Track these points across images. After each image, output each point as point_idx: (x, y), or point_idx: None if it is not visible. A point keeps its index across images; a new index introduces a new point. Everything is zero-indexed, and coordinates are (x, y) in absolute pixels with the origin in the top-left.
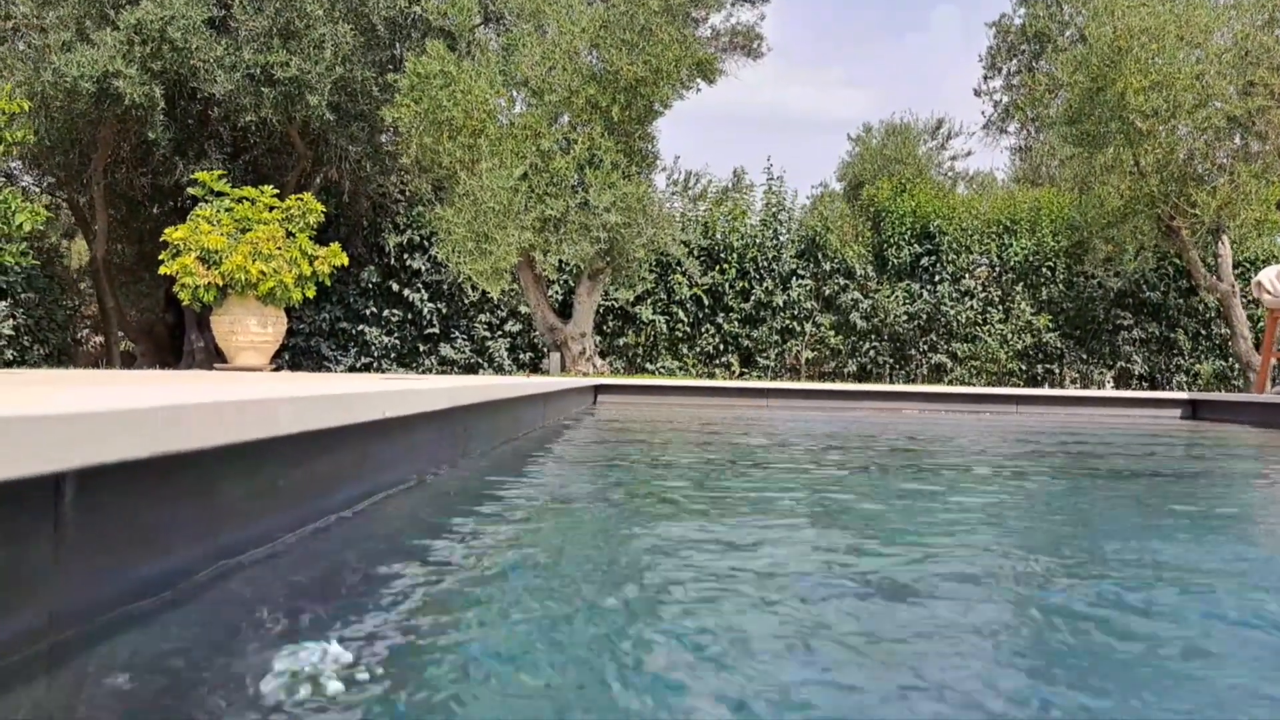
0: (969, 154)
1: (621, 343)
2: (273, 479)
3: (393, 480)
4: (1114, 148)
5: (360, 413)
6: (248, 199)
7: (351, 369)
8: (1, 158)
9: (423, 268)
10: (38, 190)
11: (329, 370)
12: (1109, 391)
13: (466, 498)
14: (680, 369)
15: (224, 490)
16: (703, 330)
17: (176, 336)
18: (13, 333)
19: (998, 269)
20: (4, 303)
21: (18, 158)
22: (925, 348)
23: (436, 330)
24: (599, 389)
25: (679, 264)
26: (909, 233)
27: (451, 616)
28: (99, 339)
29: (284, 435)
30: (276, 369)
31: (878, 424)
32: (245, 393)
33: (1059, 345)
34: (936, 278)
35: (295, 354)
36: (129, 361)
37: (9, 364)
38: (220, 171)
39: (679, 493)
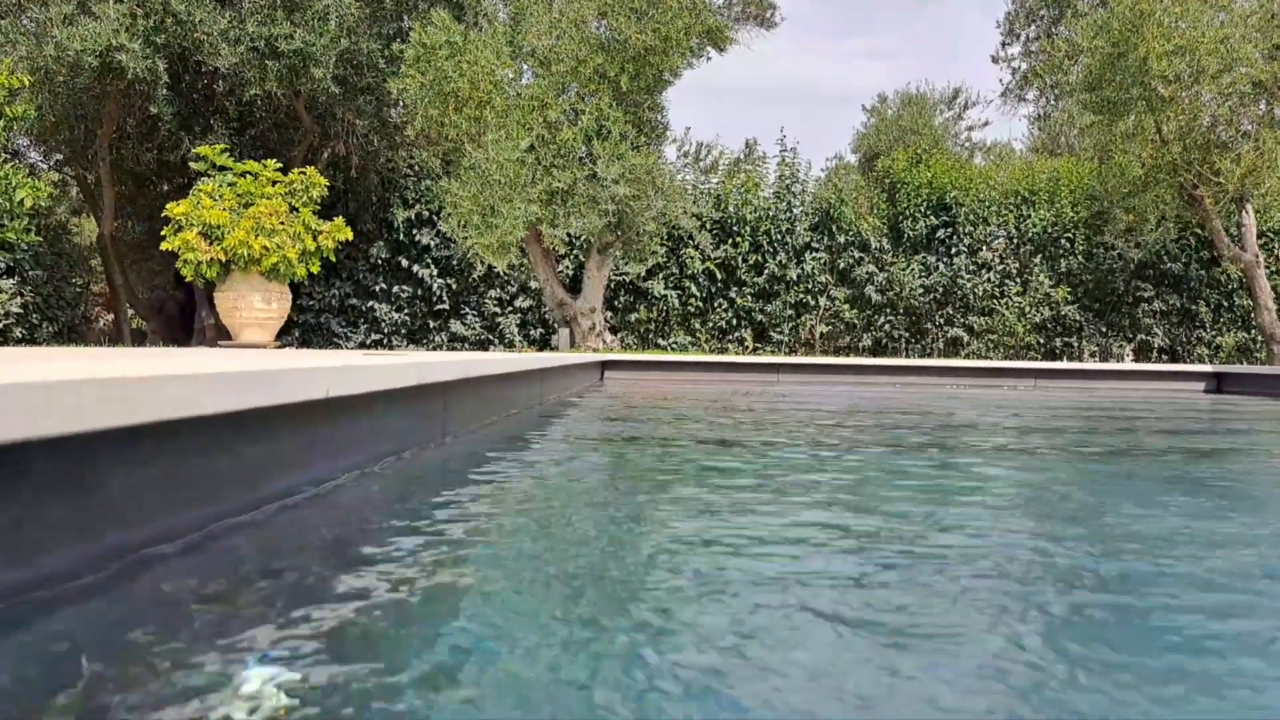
0: (986, 124)
1: (633, 318)
2: (152, 474)
3: (347, 465)
4: (1135, 115)
5: (290, 392)
6: (251, 173)
7: (362, 345)
8: (3, 133)
9: (432, 243)
10: (45, 167)
11: (339, 347)
12: (1132, 365)
13: (425, 487)
14: (693, 344)
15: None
16: (715, 305)
17: (188, 314)
18: (21, 311)
19: (1015, 241)
20: (11, 280)
21: (24, 134)
22: (941, 321)
23: (447, 307)
24: (606, 365)
25: (691, 237)
26: (925, 204)
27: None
28: (111, 317)
29: (158, 422)
30: (282, 346)
31: (907, 401)
32: (116, 370)
33: (1078, 318)
34: (953, 250)
35: (306, 331)
36: (140, 339)
37: (19, 341)
38: (223, 145)
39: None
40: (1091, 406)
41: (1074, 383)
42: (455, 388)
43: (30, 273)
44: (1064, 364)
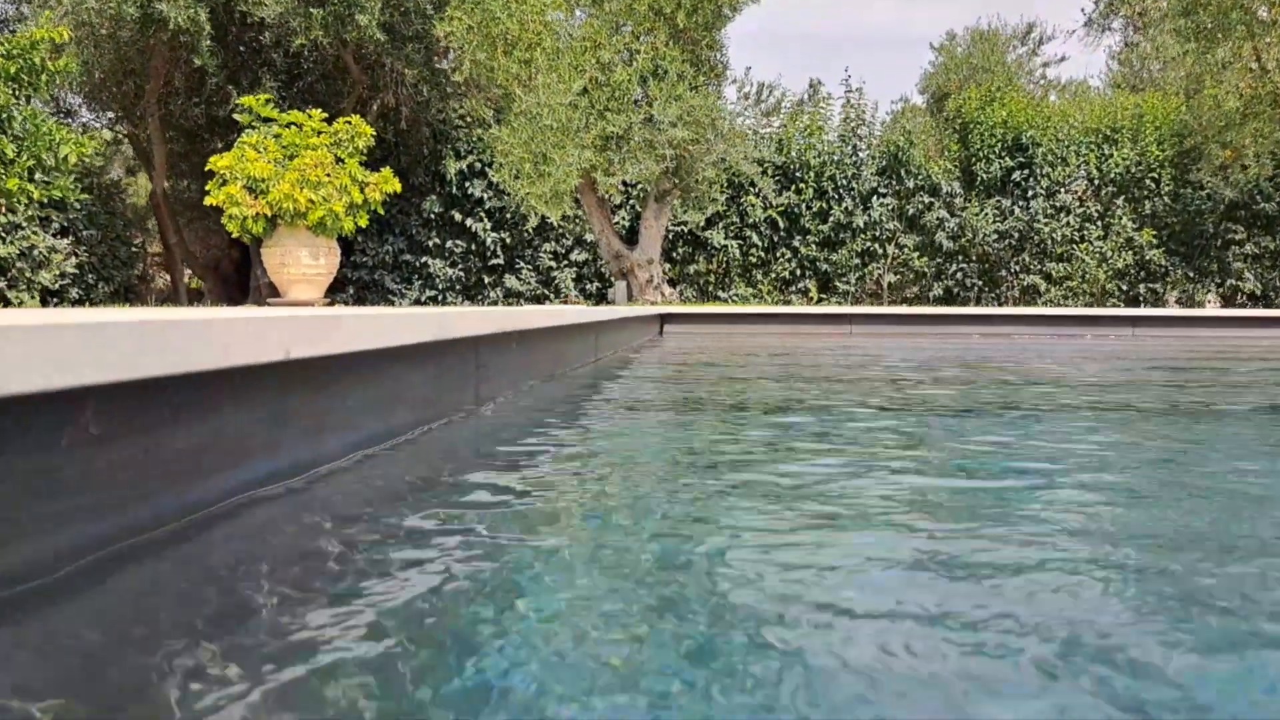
0: (1062, 60)
1: (692, 270)
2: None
3: (343, 446)
4: (1232, 42)
5: (209, 353)
6: (296, 124)
7: (416, 302)
8: (46, 88)
9: (485, 196)
10: (99, 125)
11: (394, 305)
12: (1247, 311)
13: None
14: (754, 296)
15: None
16: (778, 255)
17: (243, 272)
18: (76, 271)
19: (1096, 182)
20: (66, 240)
21: (76, 92)
22: (1017, 269)
23: (501, 261)
24: (665, 318)
25: (752, 184)
26: (999, 145)
27: None
28: (168, 276)
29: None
30: (331, 303)
31: (1003, 354)
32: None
33: (1162, 263)
34: (1029, 193)
35: (359, 288)
36: (196, 298)
37: (76, 302)
38: (267, 95)
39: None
40: (1225, 356)
41: (1179, 331)
42: (489, 344)
43: (84, 233)
44: (1167, 310)
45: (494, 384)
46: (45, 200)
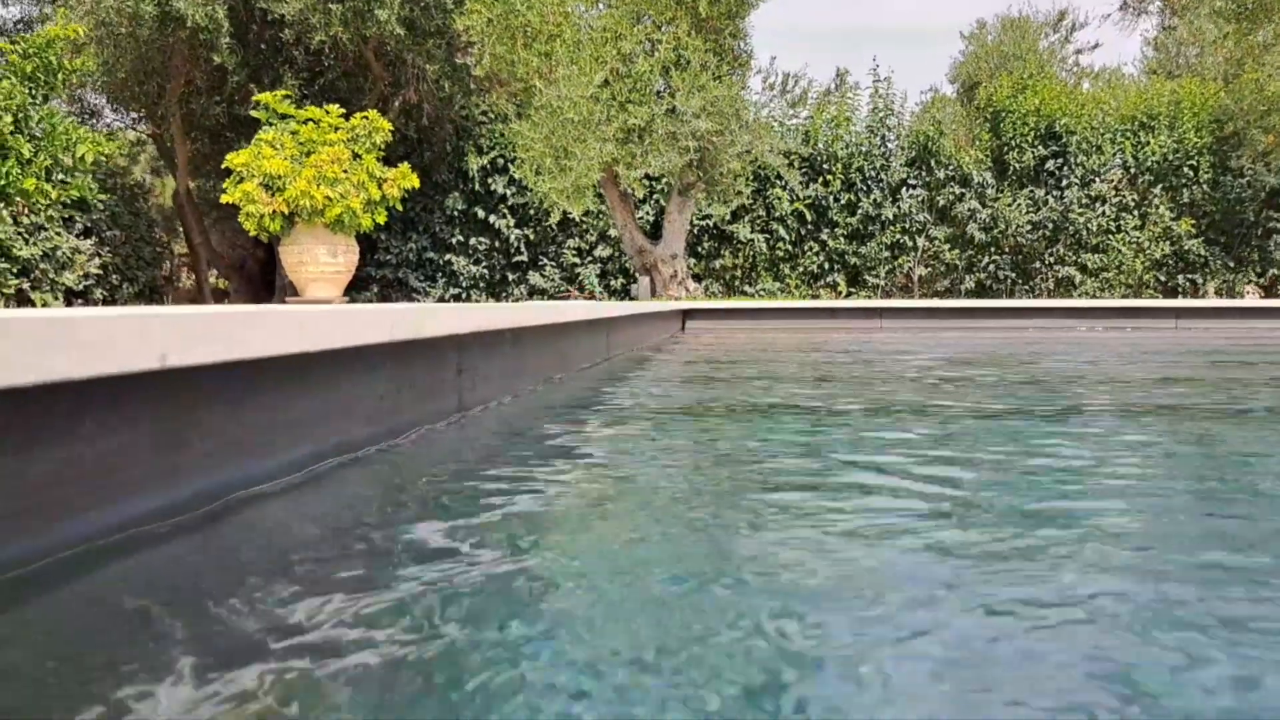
0: (1095, 46)
1: (718, 264)
2: None
3: (276, 467)
4: (1275, 23)
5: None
6: (313, 120)
7: (440, 300)
8: (63, 87)
9: (508, 192)
10: (122, 126)
11: (418, 303)
12: None
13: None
14: (782, 290)
15: None
16: (806, 248)
17: (269, 271)
18: (100, 272)
19: (1132, 170)
20: (89, 241)
21: (99, 92)
22: (1051, 260)
23: (525, 258)
24: (687, 314)
25: (778, 176)
26: (1032, 134)
27: None
28: (194, 276)
29: None
30: (350, 301)
31: (1047, 348)
32: None
33: (1202, 253)
34: (1063, 182)
35: (384, 286)
36: (221, 298)
37: (101, 302)
38: (284, 92)
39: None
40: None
41: (1225, 322)
42: (474, 343)
43: (108, 233)
44: (1211, 301)
45: (482, 389)
46: (65, 201)
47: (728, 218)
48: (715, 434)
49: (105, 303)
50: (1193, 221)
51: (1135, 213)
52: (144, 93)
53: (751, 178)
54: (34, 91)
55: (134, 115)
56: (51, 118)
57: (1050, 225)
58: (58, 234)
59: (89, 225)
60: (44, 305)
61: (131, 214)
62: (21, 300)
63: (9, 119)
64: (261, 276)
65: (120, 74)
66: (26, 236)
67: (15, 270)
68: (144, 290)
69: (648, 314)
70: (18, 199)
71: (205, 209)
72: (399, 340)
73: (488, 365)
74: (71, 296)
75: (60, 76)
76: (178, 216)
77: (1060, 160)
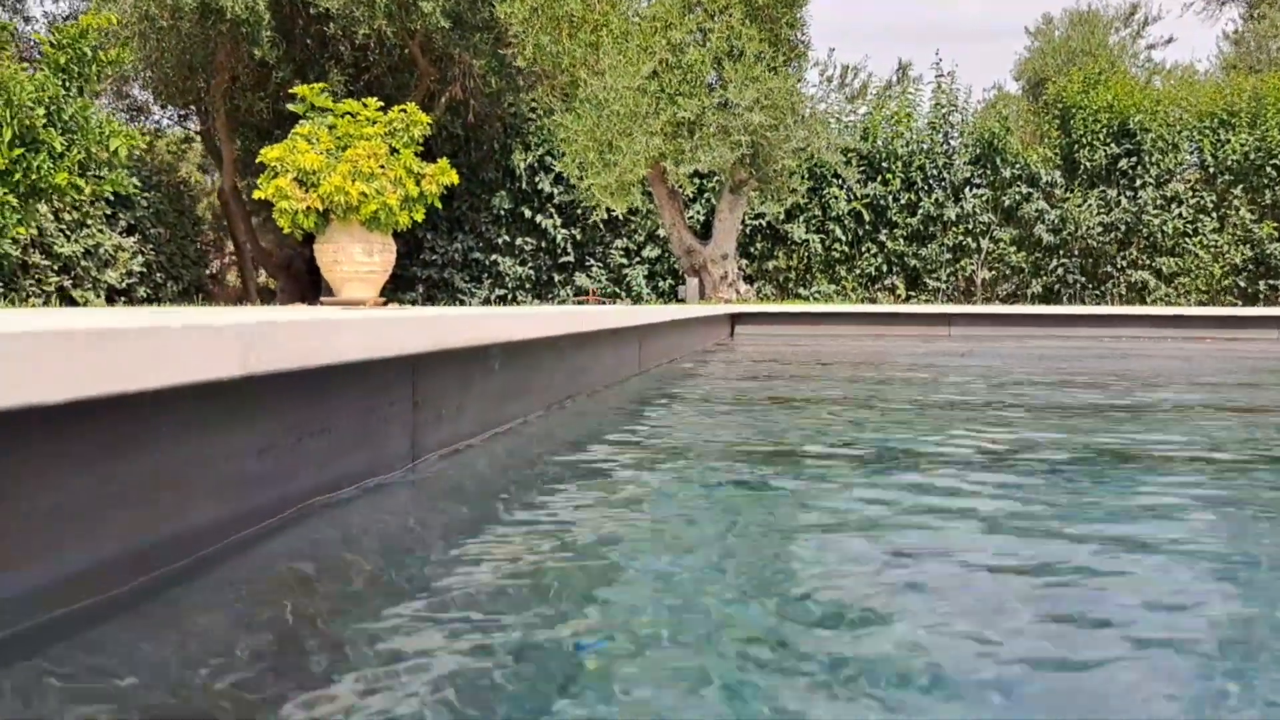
0: (1169, 41)
1: (771, 265)
2: None
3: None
4: None
5: None
6: (351, 114)
7: (486, 302)
8: (97, 79)
9: (554, 191)
10: (170, 123)
11: (464, 304)
12: None
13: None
14: (838, 293)
15: None
16: (863, 250)
17: (315, 271)
18: (144, 269)
19: (1211, 169)
20: (132, 238)
21: (144, 87)
22: (1123, 264)
23: (571, 258)
24: (736, 318)
25: (835, 174)
26: (1104, 131)
27: None
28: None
29: None
30: (386, 303)
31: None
32: None
33: None
34: (1137, 182)
35: (429, 287)
36: (268, 298)
37: (143, 301)
38: (322, 85)
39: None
40: None
41: None
42: (440, 363)
43: (152, 231)
44: None
45: (451, 426)
46: (101, 196)
47: (782, 217)
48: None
49: (148, 302)
50: (1276, 225)
51: (1213, 215)
52: (188, 88)
53: (807, 175)
54: (67, 84)
55: (180, 112)
56: (84, 110)
57: (1123, 227)
58: (100, 231)
59: (132, 223)
60: (85, 304)
61: (176, 212)
62: (63, 298)
63: (41, 111)
64: (308, 275)
65: (165, 69)
66: (68, 233)
67: (56, 267)
68: (188, 289)
69: (690, 320)
70: (53, 196)
71: (253, 207)
72: (278, 371)
73: (463, 392)
74: (114, 295)
75: (94, 68)
76: (224, 215)
77: (1134, 159)
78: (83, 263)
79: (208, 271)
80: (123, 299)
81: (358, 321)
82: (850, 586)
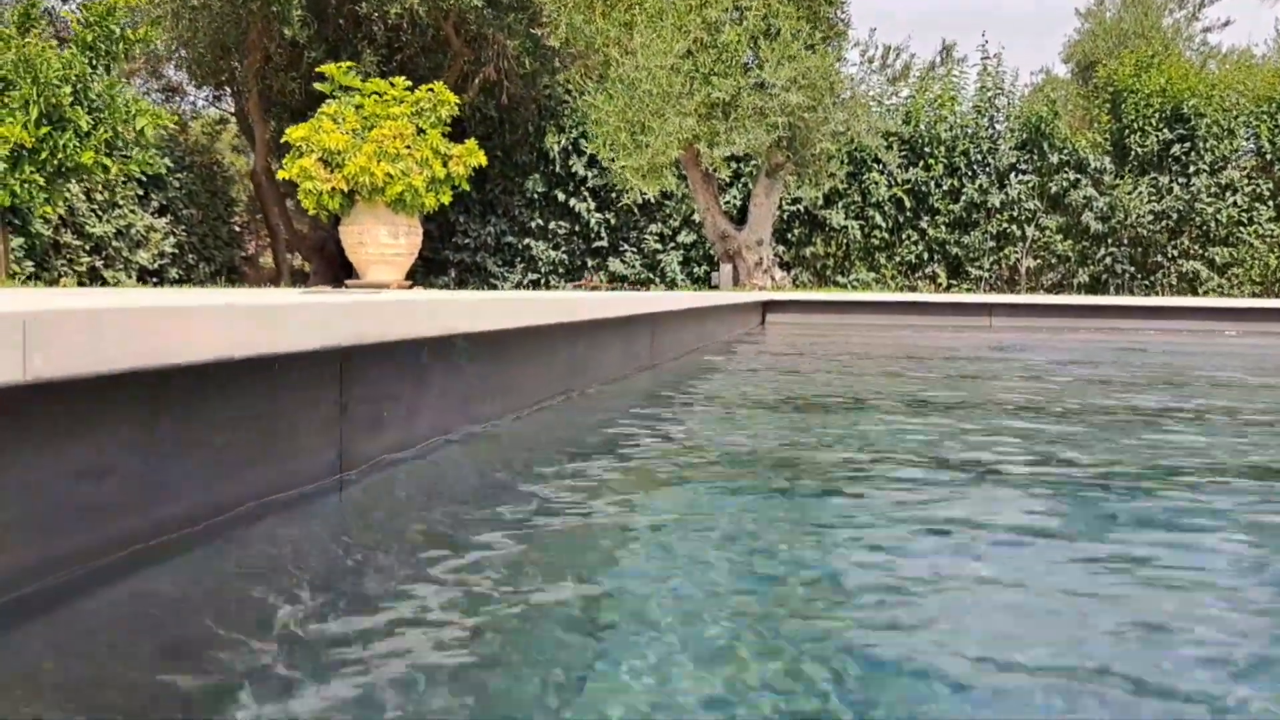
0: (1226, 24)
1: (808, 252)
2: None
3: None
4: None
5: None
6: (378, 93)
7: (518, 286)
8: (124, 57)
9: (588, 174)
10: (205, 103)
11: (496, 289)
12: None
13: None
14: (876, 281)
15: None
16: (904, 236)
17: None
18: (176, 250)
19: (1268, 156)
20: (164, 219)
21: (178, 68)
22: (1174, 253)
23: (605, 243)
24: (768, 306)
25: (876, 159)
26: (1156, 116)
27: None
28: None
29: None
30: (411, 286)
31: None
32: None
33: None
34: (1190, 169)
35: (461, 270)
36: (301, 280)
37: (175, 282)
38: (349, 64)
39: None
40: None
41: None
42: (373, 360)
43: (184, 212)
44: None
45: (398, 429)
46: (131, 176)
47: (820, 202)
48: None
49: (180, 283)
50: None
51: (1270, 203)
52: (221, 68)
53: (846, 159)
54: (94, 62)
55: (214, 93)
56: (111, 89)
57: (1174, 215)
58: (132, 211)
59: (164, 203)
60: (116, 284)
61: (209, 193)
62: (94, 279)
63: (67, 89)
64: (340, 258)
65: (198, 48)
66: (99, 213)
67: (88, 248)
68: (221, 270)
69: (715, 307)
70: (81, 175)
71: (286, 189)
72: (99, 375)
73: (416, 390)
74: (145, 275)
75: (122, 47)
76: (257, 196)
77: (1187, 145)
78: (114, 243)
79: (242, 253)
80: (154, 280)
81: (219, 311)
82: None
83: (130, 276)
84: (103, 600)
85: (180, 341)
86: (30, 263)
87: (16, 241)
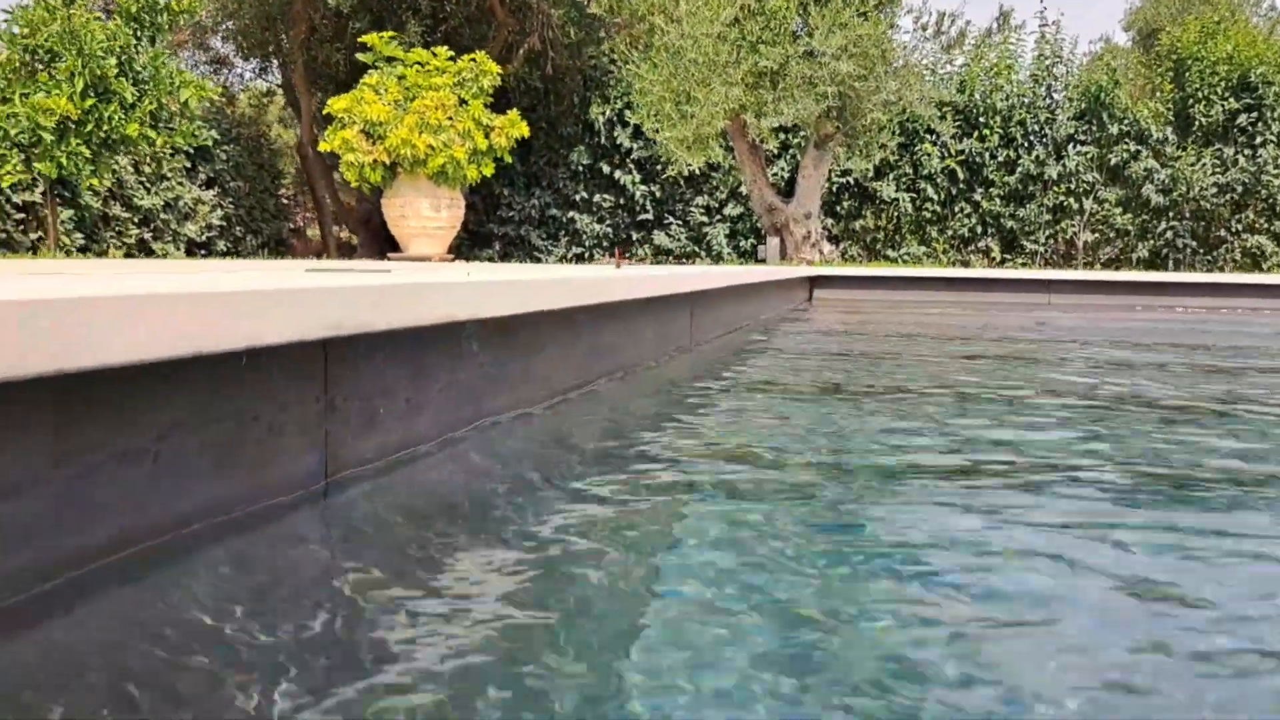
0: None
1: (858, 226)
2: None
3: None
4: None
5: None
6: (420, 64)
7: (561, 260)
8: (169, 28)
9: (633, 146)
10: (252, 75)
11: (540, 262)
12: None
13: None
14: (928, 255)
15: None
16: (956, 209)
17: None
18: (223, 223)
19: None
20: (211, 192)
21: (225, 39)
22: (1239, 228)
23: (650, 216)
24: (815, 281)
25: (928, 130)
26: (1222, 85)
27: None
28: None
29: None
30: (453, 259)
31: None
32: None
33: None
34: (1257, 140)
35: (506, 244)
36: (348, 253)
37: (224, 254)
38: (390, 34)
39: None
40: None
41: None
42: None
43: (231, 184)
44: None
45: (397, 427)
46: (177, 149)
47: (870, 174)
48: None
49: (228, 255)
50: None
51: None
52: (266, 40)
53: (897, 130)
54: (138, 33)
55: (261, 65)
56: (156, 60)
57: (1239, 188)
58: (180, 184)
59: (212, 176)
60: (164, 256)
61: (256, 165)
62: (143, 251)
63: (112, 61)
64: (384, 231)
65: (244, 19)
66: (148, 186)
67: (136, 220)
68: (268, 243)
69: (757, 284)
70: (126, 147)
71: (332, 161)
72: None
73: (418, 383)
74: (194, 248)
75: (166, 17)
76: (303, 168)
77: (1254, 114)
78: (162, 215)
79: (290, 226)
80: (202, 252)
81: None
82: None
83: (179, 249)
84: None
85: (86, 341)
86: (80, 235)
87: (66, 214)
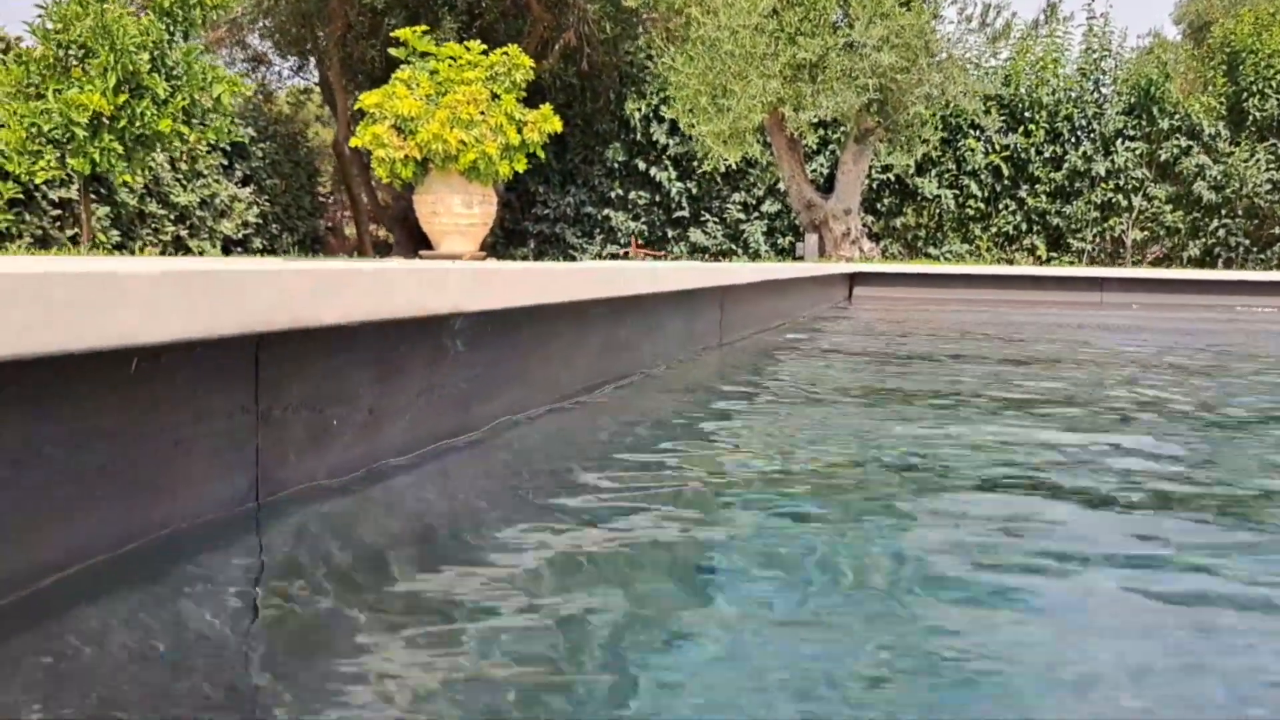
0: None
1: (899, 223)
2: None
3: None
4: None
5: None
6: (453, 58)
7: (596, 258)
8: (201, 24)
9: (669, 142)
10: (289, 72)
11: (574, 260)
12: None
13: None
14: (971, 253)
15: None
16: (1001, 206)
17: None
18: (260, 220)
19: None
20: (248, 189)
21: (262, 36)
22: None
23: (686, 213)
24: (854, 278)
25: (972, 124)
26: (1278, 78)
27: None
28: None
29: None
30: (485, 257)
31: None
32: None
33: None
34: None
35: (540, 241)
36: (384, 251)
37: (260, 252)
38: (424, 28)
39: None
40: None
41: None
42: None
43: (267, 181)
44: None
45: (357, 440)
46: (214, 146)
47: (911, 170)
48: None
49: (264, 253)
50: None
51: None
52: (302, 37)
53: (940, 125)
54: (171, 28)
55: (298, 62)
56: (189, 55)
57: None
58: (216, 181)
59: (248, 173)
60: (201, 254)
61: (292, 163)
62: (179, 248)
63: (145, 56)
64: (419, 229)
65: (280, 16)
66: (184, 183)
67: (173, 217)
68: (304, 240)
69: (793, 280)
70: (159, 144)
71: (368, 158)
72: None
73: (383, 387)
74: (230, 245)
75: (199, 12)
76: (339, 166)
77: None
78: (198, 212)
79: (327, 224)
80: (239, 249)
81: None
82: None
83: (215, 246)
84: None
85: None
86: (116, 232)
87: (102, 210)
